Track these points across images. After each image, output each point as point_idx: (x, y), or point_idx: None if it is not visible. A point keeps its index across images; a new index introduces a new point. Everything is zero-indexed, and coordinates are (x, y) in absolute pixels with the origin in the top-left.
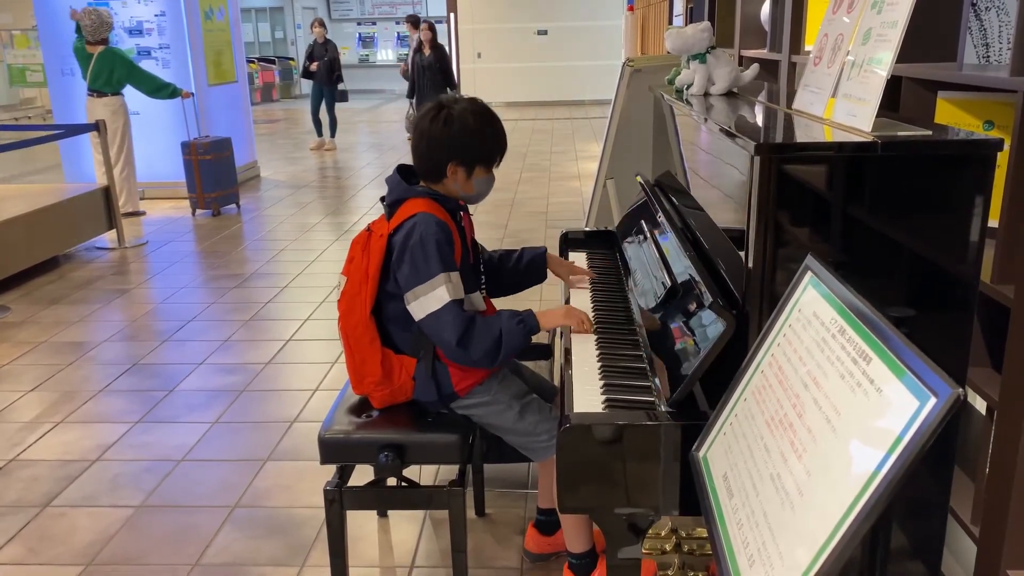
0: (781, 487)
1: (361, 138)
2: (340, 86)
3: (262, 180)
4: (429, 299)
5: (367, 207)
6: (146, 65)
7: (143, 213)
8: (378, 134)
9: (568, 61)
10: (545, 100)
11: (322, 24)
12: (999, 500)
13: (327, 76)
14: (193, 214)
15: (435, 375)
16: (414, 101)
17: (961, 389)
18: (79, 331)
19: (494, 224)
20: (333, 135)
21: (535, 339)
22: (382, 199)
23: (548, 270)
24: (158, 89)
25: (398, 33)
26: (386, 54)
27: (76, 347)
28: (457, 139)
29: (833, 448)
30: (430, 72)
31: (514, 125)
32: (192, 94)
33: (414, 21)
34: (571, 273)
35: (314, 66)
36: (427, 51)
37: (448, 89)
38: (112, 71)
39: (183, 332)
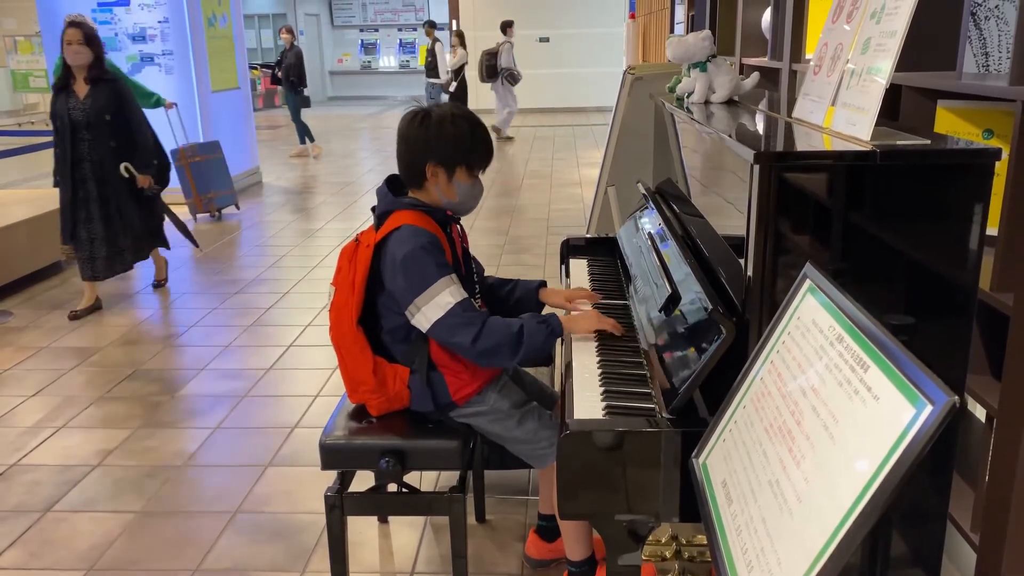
0: (779, 493)
1: (363, 144)
2: (304, 91)
3: (264, 186)
4: (432, 307)
5: (368, 214)
6: (149, 72)
7: None
8: (380, 140)
9: (570, 68)
10: (547, 107)
11: (289, 31)
12: (998, 508)
13: (286, 82)
14: (194, 218)
15: (431, 385)
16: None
17: (957, 397)
18: (81, 336)
19: (496, 231)
20: (308, 141)
21: None
22: (373, 209)
23: (544, 303)
24: (143, 97)
25: (400, 40)
26: (388, 60)
27: (78, 352)
28: (435, 139)
29: (831, 455)
30: (93, 134)
31: (515, 132)
32: (175, 104)
33: (432, 25)
34: (569, 299)
35: (280, 73)
36: (81, 91)
37: (131, 174)
38: None
39: (184, 337)
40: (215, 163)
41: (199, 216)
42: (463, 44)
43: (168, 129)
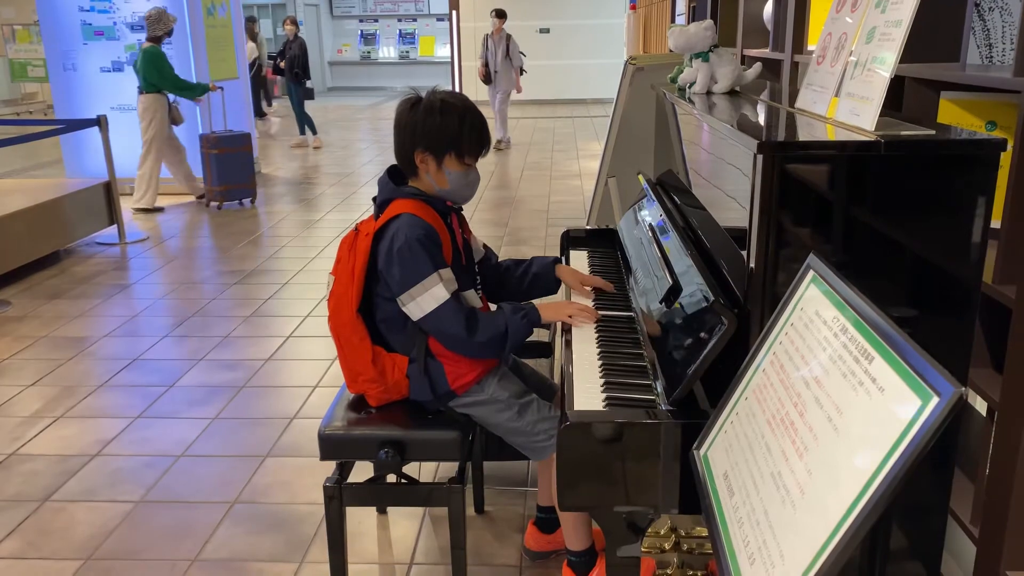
0: (782, 486)
1: (362, 135)
2: (308, 84)
3: (263, 176)
4: (426, 298)
5: (368, 204)
6: None
7: (161, 210)
8: (379, 131)
9: (570, 59)
10: (547, 98)
11: (293, 22)
12: (999, 501)
13: (290, 73)
14: (207, 204)
15: (429, 373)
16: None
17: (964, 388)
18: (79, 326)
19: (495, 222)
20: (310, 133)
21: (536, 336)
22: (374, 199)
23: (560, 279)
24: (187, 89)
25: (400, 30)
26: (388, 51)
27: (76, 342)
28: (422, 125)
29: (834, 447)
30: None
31: (516, 123)
32: (221, 88)
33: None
34: (583, 283)
35: (283, 63)
36: None
37: None
38: (143, 68)
39: (183, 328)
40: (240, 157)
41: (211, 204)
42: (253, 38)
43: (208, 113)
